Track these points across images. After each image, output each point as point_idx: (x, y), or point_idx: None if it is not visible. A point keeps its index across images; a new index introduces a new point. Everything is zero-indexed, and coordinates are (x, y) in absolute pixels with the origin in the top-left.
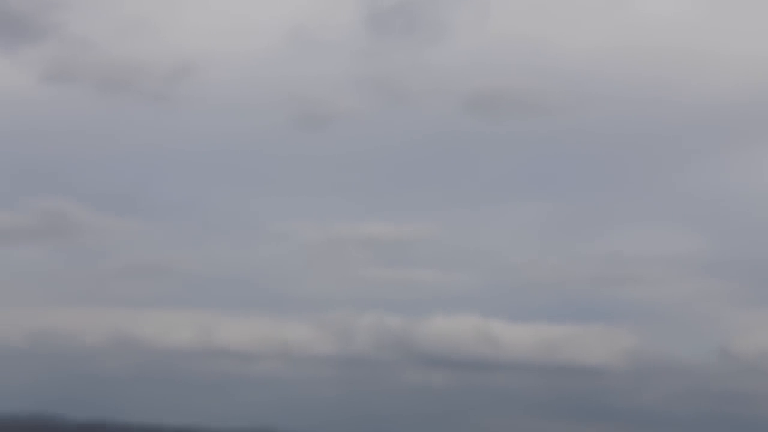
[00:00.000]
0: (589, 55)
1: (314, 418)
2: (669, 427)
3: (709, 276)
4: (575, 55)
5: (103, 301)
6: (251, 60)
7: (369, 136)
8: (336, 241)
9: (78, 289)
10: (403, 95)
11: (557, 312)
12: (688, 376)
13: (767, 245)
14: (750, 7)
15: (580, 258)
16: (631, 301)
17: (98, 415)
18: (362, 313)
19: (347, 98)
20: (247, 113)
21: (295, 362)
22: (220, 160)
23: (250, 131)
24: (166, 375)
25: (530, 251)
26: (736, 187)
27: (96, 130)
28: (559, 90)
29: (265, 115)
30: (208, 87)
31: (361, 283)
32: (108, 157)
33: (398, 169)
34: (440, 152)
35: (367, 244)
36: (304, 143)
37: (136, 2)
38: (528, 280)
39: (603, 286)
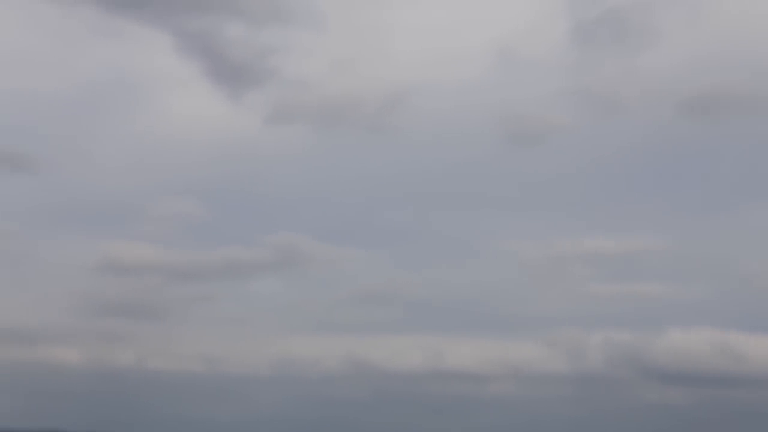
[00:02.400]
0: None
1: None
2: None
3: None
4: None
5: (337, 328)
6: (462, 85)
7: (585, 149)
8: (559, 259)
9: (313, 318)
10: (616, 105)
11: None
12: None
13: None
14: None
15: None
16: None
17: None
18: (592, 331)
19: (560, 113)
20: (461, 137)
21: (526, 382)
22: (439, 184)
23: (466, 154)
24: (399, 398)
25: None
26: None
27: (317, 165)
28: None
29: (479, 138)
30: (421, 115)
31: (588, 300)
32: (331, 190)
33: (617, 181)
34: (659, 160)
35: (590, 259)
36: (520, 162)
37: (345, 41)
38: None
39: None
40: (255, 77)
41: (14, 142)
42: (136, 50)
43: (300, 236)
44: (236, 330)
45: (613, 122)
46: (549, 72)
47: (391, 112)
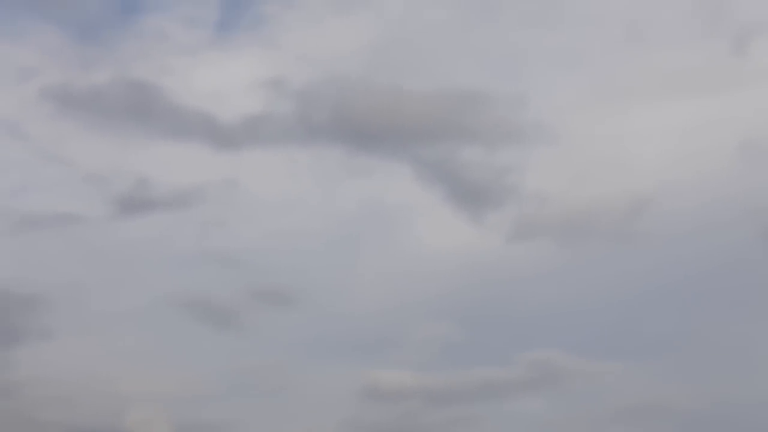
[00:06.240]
0: None
1: None
2: None
3: None
4: None
5: None
6: (706, 182)
7: None
8: None
9: None
10: None
11: None
12: None
13: None
14: None
15: None
16: None
17: None
18: None
19: None
20: (711, 235)
21: None
22: (697, 288)
23: (722, 253)
24: None
25: None
26: None
27: (566, 278)
28: None
29: (731, 234)
30: (668, 218)
31: None
32: (583, 303)
33: None
34: None
35: None
36: None
37: (582, 151)
38: None
39: None
40: (494, 197)
41: (276, 279)
42: (380, 184)
43: (556, 352)
44: None
45: None
46: None
47: (636, 218)
